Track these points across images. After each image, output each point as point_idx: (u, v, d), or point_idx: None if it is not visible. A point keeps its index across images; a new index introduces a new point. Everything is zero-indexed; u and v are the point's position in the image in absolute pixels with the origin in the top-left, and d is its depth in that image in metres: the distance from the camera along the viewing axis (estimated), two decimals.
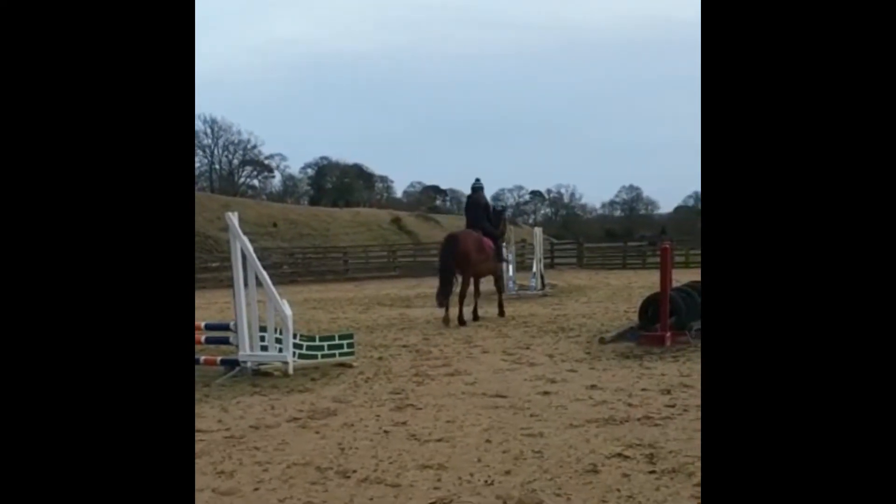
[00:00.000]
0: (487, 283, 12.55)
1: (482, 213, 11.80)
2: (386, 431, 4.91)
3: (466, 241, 11.09)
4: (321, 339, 7.74)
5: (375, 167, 78.11)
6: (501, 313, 11.97)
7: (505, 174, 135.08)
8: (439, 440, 4.64)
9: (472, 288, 11.48)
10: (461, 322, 11.00)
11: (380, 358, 8.08)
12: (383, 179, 79.33)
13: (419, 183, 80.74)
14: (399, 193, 79.85)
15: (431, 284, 21.28)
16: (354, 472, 4.04)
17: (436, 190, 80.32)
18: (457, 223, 59.43)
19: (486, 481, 3.82)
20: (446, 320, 11.03)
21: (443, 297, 10.97)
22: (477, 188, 12.04)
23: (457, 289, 11.12)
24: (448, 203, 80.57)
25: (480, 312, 11.71)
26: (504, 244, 13.12)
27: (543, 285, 16.96)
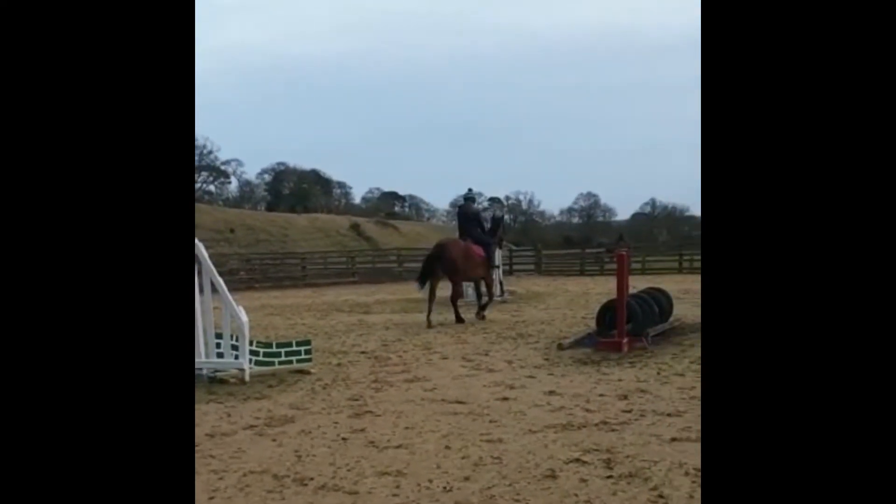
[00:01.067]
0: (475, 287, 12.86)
1: (473, 222, 12.48)
2: (344, 438, 4.87)
3: (454, 250, 11.76)
4: (278, 346, 7.66)
5: (333, 173, 77.62)
6: (481, 317, 12.25)
7: (463, 180, 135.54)
8: (398, 447, 4.62)
9: (464, 289, 12.30)
10: (459, 320, 11.70)
11: (338, 364, 8.02)
12: (341, 185, 78.91)
13: (378, 189, 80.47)
14: (357, 199, 79.49)
15: (391, 290, 21.28)
16: (312, 479, 4.00)
17: (394, 196, 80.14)
18: (416, 230, 59.50)
19: (445, 488, 3.81)
20: (429, 324, 11.44)
21: (419, 285, 11.91)
22: (469, 198, 12.80)
23: (445, 293, 11.99)
24: (407, 209, 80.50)
25: (438, 318, 11.76)
26: (499, 249, 13.56)
27: (502, 292, 16.99)
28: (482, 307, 12.33)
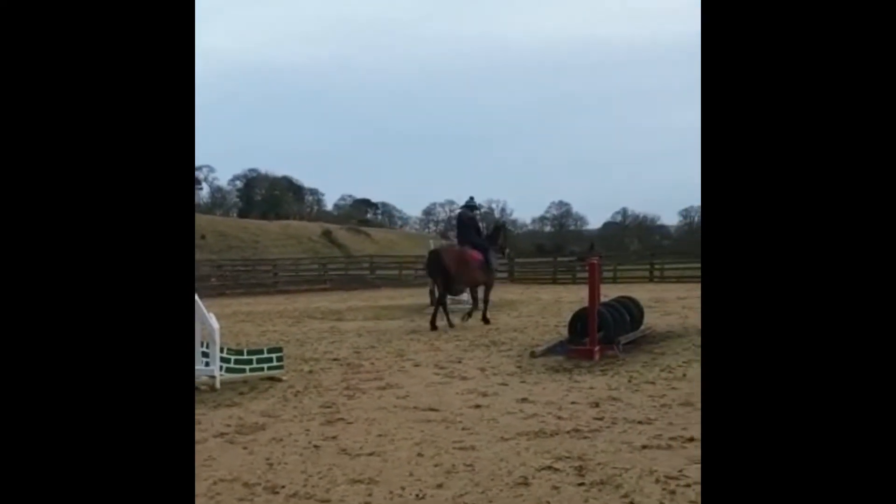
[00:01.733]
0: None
1: (471, 229, 12.83)
2: (316, 446, 4.84)
3: (447, 256, 12.23)
4: (249, 353, 7.60)
5: (305, 180, 77.54)
6: (486, 321, 12.52)
7: (436, 188, 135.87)
8: (370, 454, 4.60)
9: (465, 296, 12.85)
10: (441, 321, 12.10)
11: (310, 371, 7.97)
12: (313, 192, 78.68)
13: (350, 196, 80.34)
14: (329, 206, 79.28)
15: (363, 297, 21.20)
16: (283, 487, 3.97)
17: (367, 203, 80.00)
18: (389, 237, 59.39)
19: (417, 495, 3.80)
20: (433, 323, 12.00)
21: (435, 303, 12.60)
22: (469, 206, 13.18)
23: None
24: (379, 216, 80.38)
25: (411, 325, 11.80)
26: (500, 255, 13.96)
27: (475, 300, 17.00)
28: (483, 311, 12.65)
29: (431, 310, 12.83)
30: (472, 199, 13.23)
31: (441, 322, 12.05)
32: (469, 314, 12.68)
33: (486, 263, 12.61)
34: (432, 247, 18.44)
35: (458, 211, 13.41)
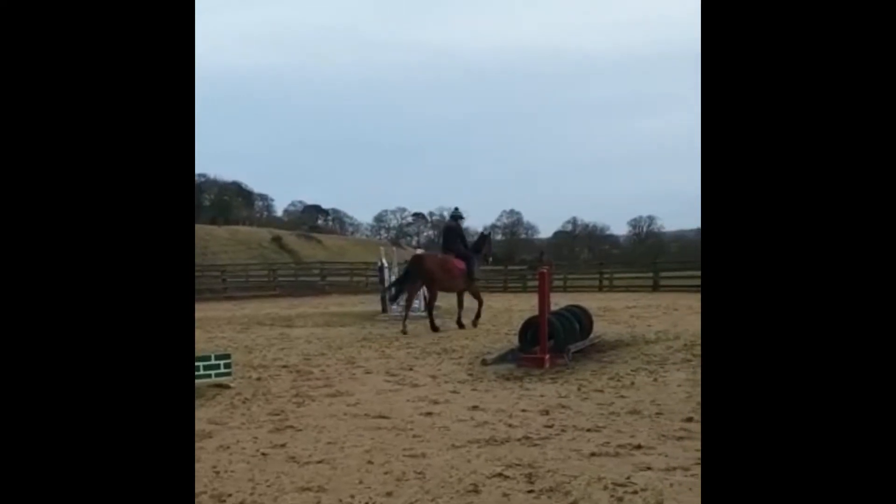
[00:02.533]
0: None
1: (457, 237, 13.44)
2: (264, 454, 4.78)
3: (429, 261, 13.03)
4: (197, 359, 7.46)
5: (255, 185, 76.61)
6: (475, 324, 13.21)
7: (388, 196, 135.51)
8: (319, 462, 4.55)
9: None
10: (434, 328, 12.62)
11: (258, 378, 7.87)
12: (263, 197, 77.80)
13: (300, 202, 79.64)
14: (279, 212, 78.48)
15: (313, 304, 21.03)
16: (230, 495, 3.91)
17: (317, 209, 79.41)
18: (339, 244, 58.98)
19: (367, 503, 3.77)
20: (404, 326, 12.59)
21: (390, 295, 13.82)
22: (455, 216, 13.86)
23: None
24: (330, 223, 79.84)
25: (362, 332, 11.77)
26: (483, 263, 14.73)
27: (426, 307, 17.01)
28: (476, 315, 13.33)
29: (383, 316, 13.18)
30: (457, 209, 13.91)
31: (391, 329, 12.04)
32: (477, 316, 13.33)
33: (468, 271, 13.12)
34: (383, 254, 18.44)
35: (447, 221, 14.11)
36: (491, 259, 15.96)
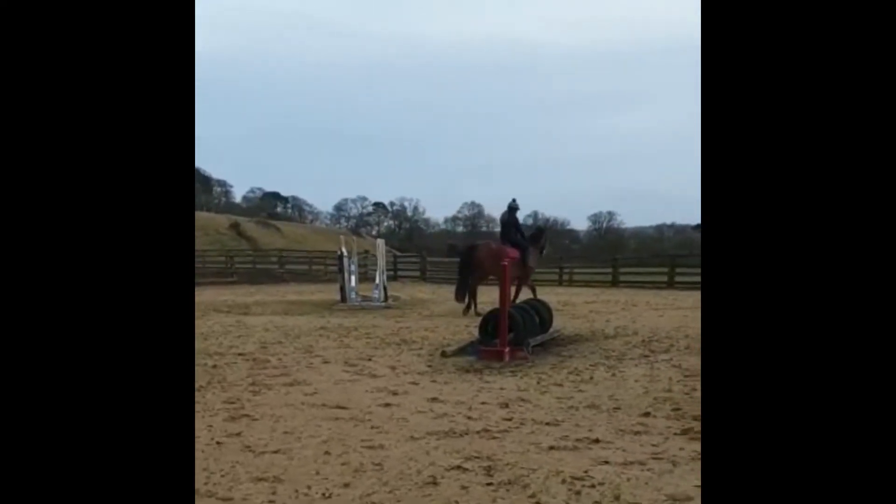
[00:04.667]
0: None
1: (513, 228, 14.22)
2: (219, 443, 4.69)
3: (482, 251, 13.85)
4: None
5: (213, 171, 75.47)
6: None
7: (348, 184, 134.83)
8: (276, 452, 4.48)
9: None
10: (469, 311, 13.45)
11: (214, 366, 7.75)
12: (221, 183, 76.76)
13: (259, 189, 78.67)
14: (238, 198, 77.50)
15: (271, 292, 20.83)
16: None
17: (277, 196, 78.62)
18: (299, 231, 58.51)
19: (324, 494, 3.72)
20: (465, 311, 13.51)
21: (459, 296, 13.94)
22: (513, 208, 14.32)
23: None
24: (290, 210, 79.14)
25: (320, 321, 11.67)
26: (535, 256, 14.95)
27: (387, 297, 16.97)
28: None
29: (342, 306, 12.82)
30: (514, 200, 14.36)
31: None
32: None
33: (522, 261, 13.77)
34: (343, 243, 18.32)
35: (503, 212, 14.65)
36: (545, 250, 16.29)
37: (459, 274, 14.37)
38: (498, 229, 15.34)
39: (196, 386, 6.60)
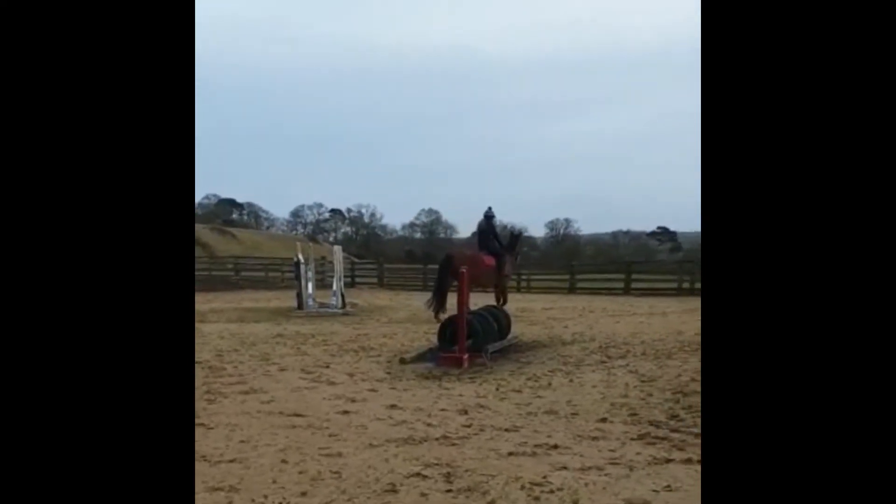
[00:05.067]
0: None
1: (490, 236, 14.56)
2: None
3: (458, 259, 13.60)
4: None
5: None
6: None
7: (305, 191, 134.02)
8: (231, 461, 4.41)
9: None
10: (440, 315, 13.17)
11: None
12: None
13: (214, 195, 77.34)
14: None
15: (227, 299, 20.54)
16: None
17: (232, 203, 77.60)
18: (254, 238, 57.92)
19: (281, 503, 3.67)
20: (436, 315, 13.30)
21: (435, 305, 13.76)
22: (489, 216, 14.63)
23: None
24: (245, 217, 78.19)
25: (277, 329, 11.55)
26: (512, 263, 15.43)
27: (344, 304, 16.89)
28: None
29: (299, 313, 12.82)
30: (489, 209, 14.65)
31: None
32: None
33: (497, 269, 14.16)
34: (300, 249, 18.19)
35: (480, 220, 14.93)
36: (519, 257, 16.84)
37: (437, 282, 14.34)
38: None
39: None
